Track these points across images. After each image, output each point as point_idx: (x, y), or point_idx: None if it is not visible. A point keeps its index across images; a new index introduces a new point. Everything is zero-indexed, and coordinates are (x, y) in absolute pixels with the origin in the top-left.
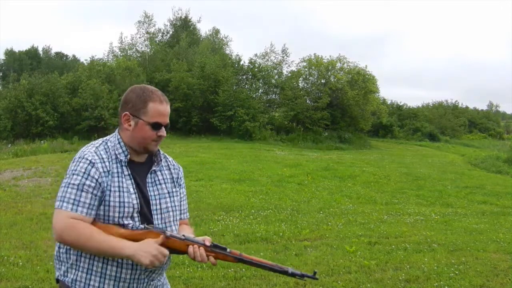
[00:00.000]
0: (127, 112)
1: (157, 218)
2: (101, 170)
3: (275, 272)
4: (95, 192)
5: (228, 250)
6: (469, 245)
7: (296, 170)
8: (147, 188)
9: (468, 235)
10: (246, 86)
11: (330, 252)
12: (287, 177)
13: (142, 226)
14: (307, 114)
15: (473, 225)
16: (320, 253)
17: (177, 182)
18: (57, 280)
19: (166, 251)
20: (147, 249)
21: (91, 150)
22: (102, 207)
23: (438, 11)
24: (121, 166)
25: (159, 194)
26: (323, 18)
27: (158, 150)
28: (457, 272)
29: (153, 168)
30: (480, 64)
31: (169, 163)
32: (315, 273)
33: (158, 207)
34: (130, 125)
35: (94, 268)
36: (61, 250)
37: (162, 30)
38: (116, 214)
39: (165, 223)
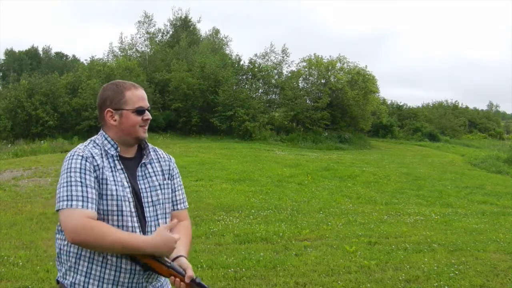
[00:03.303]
0: (109, 109)
1: (149, 210)
2: (94, 163)
3: None
4: (96, 186)
5: None
6: (469, 245)
7: (296, 170)
8: (137, 181)
9: (468, 235)
10: (246, 86)
11: (330, 252)
12: (287, 177)
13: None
14: (307, 114)
15: (473, 225)
16: (320, 253)
17: (169, 173)
18: (57, 281)
19: (177, 237)
20: (166, 244)
21: (80, 147)
22: (101, 201)
23: (438, 11)
24: (113, 160)
25: (149, 186)
26: (323, 18)
27: (147, 144)
28: (457, 272)
29: (143, 161)
30: (480, 64)
31: (158, 156)
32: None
33: (150, 199)
34: (115, 120)
35: (93, 272)
36: (61, 252)
37: (162, 30)
38: (115, 208)
39: (156, 215)
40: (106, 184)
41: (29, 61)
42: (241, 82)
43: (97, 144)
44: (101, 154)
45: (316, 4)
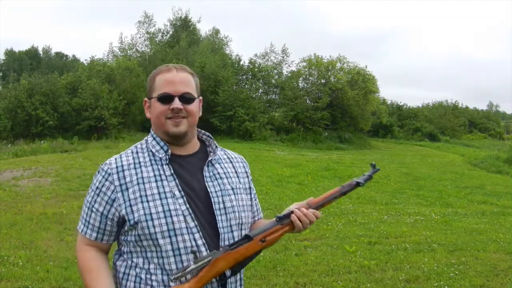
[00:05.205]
0: (145, 99)
1: (221, 219)
2: (120, 182)
3: (349, 193)
4: (105, 212)
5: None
6: (469, 245)
7: (296, 170)
8: (206, 184)
9: (468, 235)
10: (246, 86)
11: (330, 252)
12: (287, 177)
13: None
14: (307, 114)
15: (473, 225)
16: (320, 253)
17: (247, 177)
18: None
19: None
20: None
21: (116, 156)
22: (145, 224)
23: (438, 11)
24: (161, 165)
25: (221, 190)
26: (323, 18)
27: (211, 140)
28: (457, 272)
29: (210, 158)
30: (480, 64)
31: (228, 156)
32: (373, 165)
33: (222, 205)
34: (149, 111)
35: None
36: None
37: (162, 30)
38: (165, 228)
39: (230, 226)
40: (145, 202)
41: (29, 61)
42: (241, 82)
43: (146, 148)
44: (139, 162)
45: (317, 4)
